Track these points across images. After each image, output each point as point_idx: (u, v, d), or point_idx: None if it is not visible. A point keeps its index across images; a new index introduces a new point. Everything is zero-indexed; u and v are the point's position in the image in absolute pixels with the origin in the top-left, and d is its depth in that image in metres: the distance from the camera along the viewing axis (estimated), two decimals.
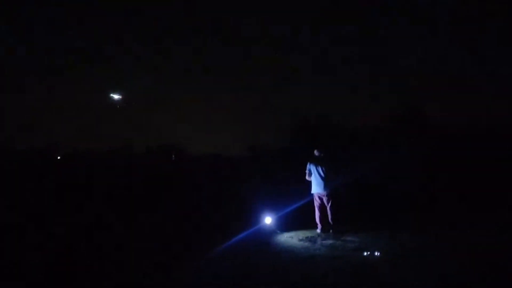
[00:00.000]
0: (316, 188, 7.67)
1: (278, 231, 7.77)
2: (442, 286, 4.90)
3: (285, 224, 8.02)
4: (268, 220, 7.94)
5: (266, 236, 7.55)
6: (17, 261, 6.14)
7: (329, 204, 7.64)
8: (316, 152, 7.81)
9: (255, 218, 8.10)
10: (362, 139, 18.55)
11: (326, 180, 7.59)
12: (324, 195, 7.65)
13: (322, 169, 7.63)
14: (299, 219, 8.16)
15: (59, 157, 31.45)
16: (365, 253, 6.23)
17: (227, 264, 5.85)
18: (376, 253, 6.19)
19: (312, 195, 7.83)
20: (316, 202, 7.76)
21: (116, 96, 21.19)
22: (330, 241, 7.08)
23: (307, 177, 7.74)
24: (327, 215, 7.67)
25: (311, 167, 7.70)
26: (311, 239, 7.26)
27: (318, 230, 7.66)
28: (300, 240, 7.25)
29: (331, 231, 7.55)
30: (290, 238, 7.39)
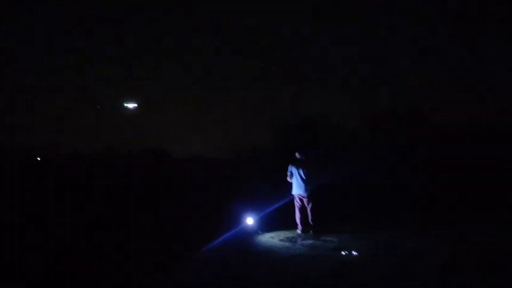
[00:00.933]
0: (297, 189, 7.82)
1: (260, 232, 7.86)
2: (420, 285, 4.92)
3: (267, 225, 8.09)
4: (249, 220, 8.03)
5: (247, 236, 7.59)
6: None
7: (310, 206, 7.79)
8: (297, 155, 7.95)
9: (237, 219, 8.13)
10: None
11: (307, 182, 7.74)
12: (304, 197, 7.80)
13: (303, 171, 7.76)
14: (280, 219, 8.21)
15: (38, 158, 30.64)
16: (343, 253, 6.34)
17: (210, 265, 5.85)
18: (354, 253, 6.29)
19: (292, 196, 7.97)
20: (297, 203, 7.90)
21: (130, 105, 20.86)
22: (310, 241, 7.19)
23: (288, 179, 7.88)
24: (308, 216, 7.81)
25: (292, 169, 7.84)
26: (291, 239, 7.37)
27: (299, 231, 7.80)
28: (281, 240, 7.35)
29: (311, 231, 7.69)
30: (271, 238, 7.47)
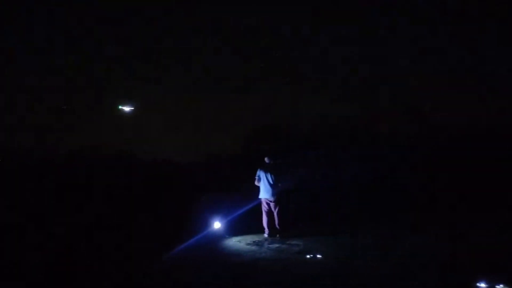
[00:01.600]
0: (264, 193, 7.90)
1: (227, 236, 7.90)
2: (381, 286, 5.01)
3: (234, 229, 8.11)
4: (216, 225, 8.04)
5: (214, 240, 7.61)
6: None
7: (276, 210, 7.88)
8: (266, 160, 8.05)
9: (203, 223, 8.09)
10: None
11: (274, 187, 7.84)
12: (271, 201, 7.88)
13: (271, 176, 7.86)
14: (248, 223, 8.22)
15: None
16: (308, 256, 6.45)
17: (175, 269, 5.84)
18: (318, 256, 6.41)
19: (260, 200, 8.04)
20: (264, 208, 7.98)
21: (126, 108, 20.74)
22: (276, 245, 7.28)
23: (256, 183, 7.97)
24: (274, 220, 7.90)
25: (260, 173, 7.93)
26: (258, 243, 7.45)
27: (265, 235, 7.88)
28: (248, 244, 7.41)
29: (277, 235, 7.79)
30: (238, 242, 7.53)
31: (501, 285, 4.84)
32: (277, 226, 7.90)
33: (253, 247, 7.21)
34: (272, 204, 7.93)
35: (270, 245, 7.31)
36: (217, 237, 7.80)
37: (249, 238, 7.77)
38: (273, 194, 7.86)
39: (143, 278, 5.41)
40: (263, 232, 7.94)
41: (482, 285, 4.84)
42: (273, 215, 7.93)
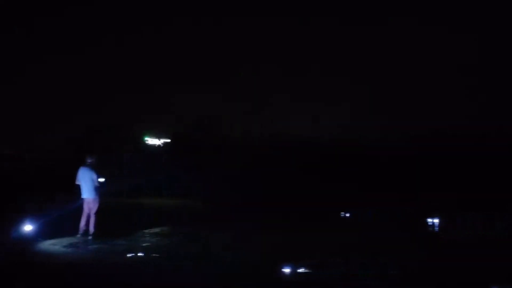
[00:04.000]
0: (84, 193, 7.95)
1: (40, 239, 7.38)
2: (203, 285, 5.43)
3: (50, 231, 7.68)
4: (27, 227, 7.53)
5: (24, 245, 7.02)
6: None
7: (93, 210, 7.94)
8: (88, 159, 8.05)
9: (12, 227, 7.55)
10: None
11: (92, 186, 7.92)
12: (89, 201, 7.95)
13: (90, 175, 7.87)
14: (66, 225, 8.00)
15: None
16: (130, 255, 6.64)
17: None
18: (140, 254, 6.71)
19: (81, 200, 8.06)
20: (85, 207, 7.97)
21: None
22: (96, 246, 7.26)
23: (76, 182, 7.99)
24: (90, 220, 7.94)
25: (81, 172, 7.91)
26: (76, 245, 7.24)
27: (79, 235, 7.79)
28: (64, 246, 7.12)
29: (90, 236, 7.80)
30: (53, 246, 7.12)
31: None
32: (91, 226, 7.88)
33: (69, 249, 6.94)
34: (90, 204, 7.92)
35: (90, 247, 7.24)
36: (28, 241, 7.17)
37: (66, 241, 7.44)
38: (91, 194, 7.86)
39: None
40: (79, 233, 7.78)
41: None
42: (90, 215, 7.93)
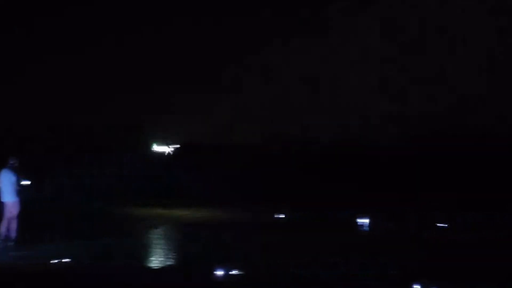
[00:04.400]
0: (5, 196, 7.58)
1: None
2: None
3: None
4: None
5: None
6: None
7: (15, 214, 7.61)
8: (10, 160, 7.71)
9: None
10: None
11: (14, 189, 7.57)
12: (10, 204, 7.58)
13: (11, 177, 7.54)
14: None
15: None
16: (55, 261, 6.39)
17: None
18: (65, 260, 6.47)
19: (3, 203, 7.68)
20: (6, 211, 7.63)
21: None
22: (19, 253, 6.95)
23: None
24: (12, 225, 7.60)
25: (2, 174, 7.59)
26: None
27: (4, 241, 7.50)
28: None
29: (11, 242, 7.49)
30: None
31: None
32: (12, 232, 7.55)
33: None
34: (12, 208, 7.57)
35: (12, 253, 6.94)
36: None
37: None
38: (13, 197, 7.52)
39: None
40: (1, 239, 7.46)
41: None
42: (11, 219, 7.58)
